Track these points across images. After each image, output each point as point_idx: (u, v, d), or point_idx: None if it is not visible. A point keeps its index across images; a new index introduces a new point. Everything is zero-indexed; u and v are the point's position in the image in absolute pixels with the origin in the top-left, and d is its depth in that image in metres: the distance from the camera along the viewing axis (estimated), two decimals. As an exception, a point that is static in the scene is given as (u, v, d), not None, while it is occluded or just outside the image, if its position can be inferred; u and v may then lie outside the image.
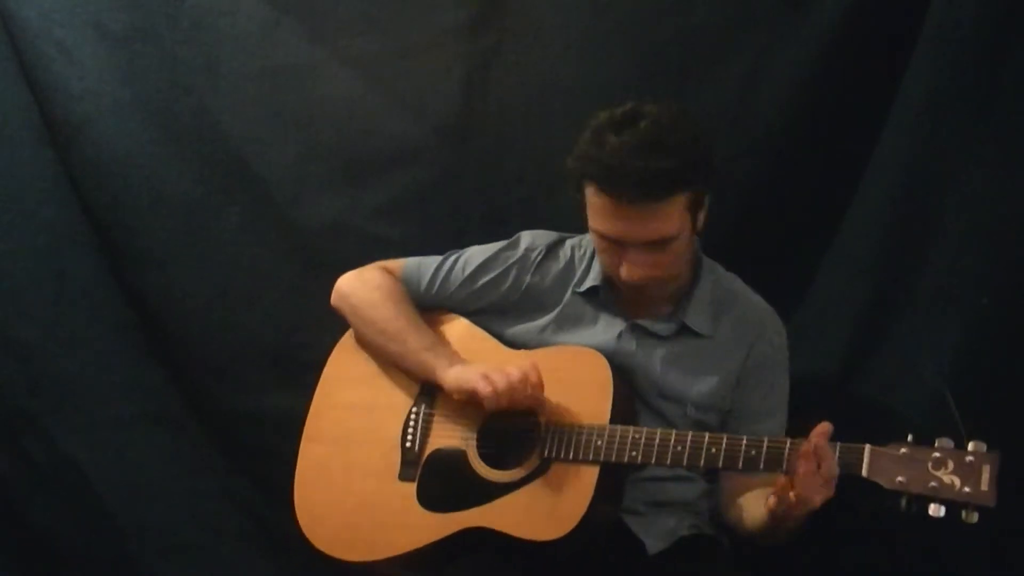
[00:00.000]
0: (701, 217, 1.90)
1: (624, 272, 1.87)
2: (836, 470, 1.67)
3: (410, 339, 2.03)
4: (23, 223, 2.55)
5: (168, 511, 2.60)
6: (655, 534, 1.95)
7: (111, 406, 2.60)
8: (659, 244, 1.84)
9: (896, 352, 2.22)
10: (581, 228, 1.98)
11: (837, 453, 1.68)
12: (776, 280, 2.26)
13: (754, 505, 1.88)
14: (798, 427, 2.24)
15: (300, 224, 2.55)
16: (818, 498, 1.67)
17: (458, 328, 2.09)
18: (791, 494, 1.68)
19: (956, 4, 2.13)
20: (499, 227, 2.22)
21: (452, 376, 1.96)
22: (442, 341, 2.05)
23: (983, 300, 2.14)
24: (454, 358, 1.99)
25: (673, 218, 1.82)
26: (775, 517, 1.75)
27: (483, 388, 1.88)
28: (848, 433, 2.25)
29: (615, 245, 1.87)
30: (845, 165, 2.27)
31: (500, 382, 1.87)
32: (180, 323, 2.59)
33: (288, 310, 2.56)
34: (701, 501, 2.03)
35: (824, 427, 1.69)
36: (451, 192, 2.49)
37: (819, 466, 1.66)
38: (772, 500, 1.73)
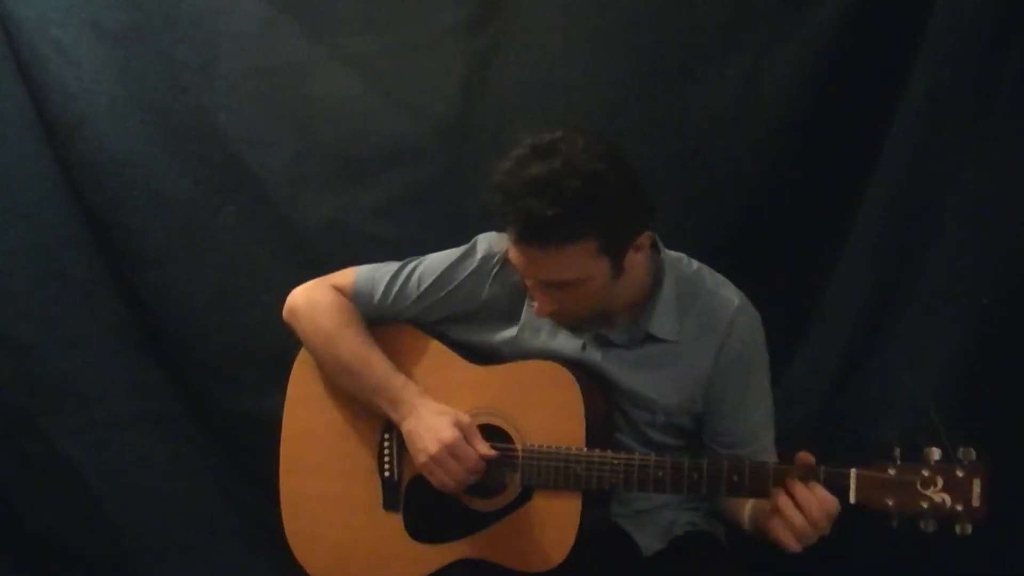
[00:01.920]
0: (634, 257, 1.81)
1: (535, 306, 1.83)
2: (822, 519, 1.62)
3: (362, 375, 1.96)
4: (22, 223, 2.54)
5: (168, 511, 2.60)
6: (650, 535, 1.94)
7: (110, 406, 2.60)
8: (561, 285, 1.78)
9: (896, 352, 2.22)
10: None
11: (822, 478, 1.64)
12: (776, 280, 2.27)
13: (741, 509, 1.86)
14: (799, 425, 2.27)
15: (298, 224, 2.55)
16: (801, 545, 1.65)
17: (418, 344, 2.01)
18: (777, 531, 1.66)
19: (956, 4, 2.13)
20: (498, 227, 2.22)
21: (405, 432, 1.91)
22: (398, 364, 1.96)
23: (983, 300, 2.15)
24: (406, 401, 1.91)
25: (575, 264, 1.74)
26: (761, 532, 1.72)
27: (427, 476, 1.87)
28: (848, 433, 2.27)
29: (526, 277, 1.83)
30: (845, 165, 2.27)
31: (442, 480, 1.85)
32: (179, 323, 2.59)
33: (287, 310, 2.56)
34: (697, 500, 2.02)
35: (804, 459, 1.66)
36: (450, 192, 2.49)
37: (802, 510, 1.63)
38: (761, 525, 1.71)
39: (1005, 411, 2.10)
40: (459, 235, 2.17)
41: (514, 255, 1.80)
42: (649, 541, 1.93)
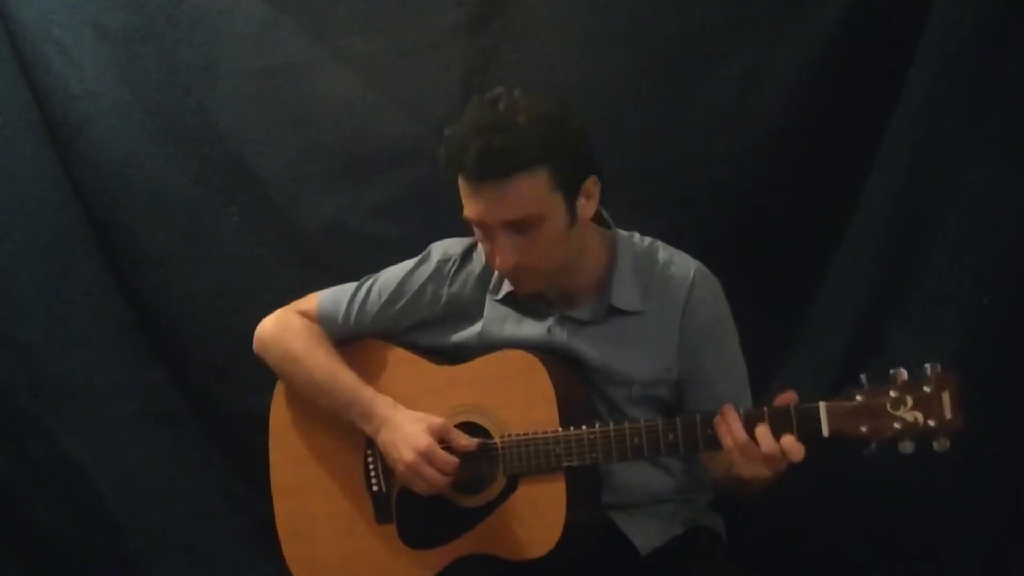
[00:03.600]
0: (585, 204, 1.85)
1: (497, 260, 1.83)
2: (774, 448, 1.63)
3: (333, 393, 1.98)
4: (23, 223, 2.55)
5: (168, 511, 2.60)
6: (646, 533, 1.93)
7: (111, 406, 2.60)
8: (520, 226, 1.79)
9: (896, 352, 2.22)
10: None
11: (793, 415, 1.65)
12: (776, 280, 2.27)
13: (722, 460, 1.83)
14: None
15: (299, 224, 2.55)
16: (764, 472, 1.66)
17: (386, 356, 2.03)
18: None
19: (956, 4, 2.13)
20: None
21: (380, 444, 1.93)
22: (369, 379, 1.99)
23: (983, 300, 2.14)
24: (378, 414, 1.93)
25: (530, 196, 1.77)
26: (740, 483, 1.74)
27: (409, 485, 1.90)
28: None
29: (485, 234, 1.84)
30: (845, 165, 2.27)
31: (423, 487, 1.87)
32: (180, 323, 2.59)
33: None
34: (694, 489, 2.02)
35: (783, 399, 1.67)
36: (450, 192, 2.48)
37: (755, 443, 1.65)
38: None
39: (1005, 411, 2.10)
40: (460, 235, 2.17)
41: (471, 207, 1.81)
42: (646, 540, 1.92)
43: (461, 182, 1.81)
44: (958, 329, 2.16)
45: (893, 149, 2.21)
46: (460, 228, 2.37)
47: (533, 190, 1.77)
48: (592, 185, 1.86)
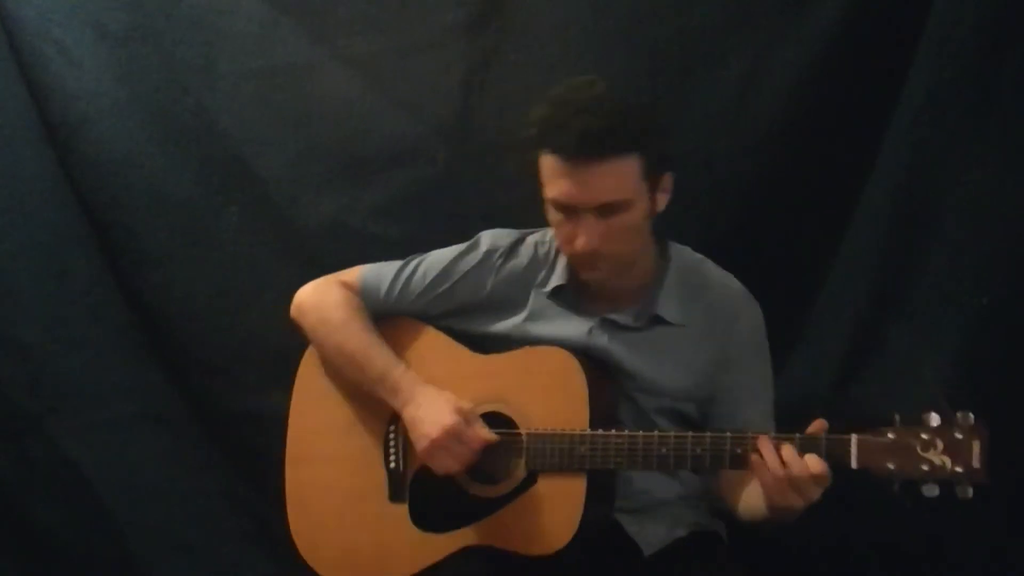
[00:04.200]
0: (660, 198, 1.89)
1: (579, 242, 1.84)
2: (806, 471, 1.64)
3: (366, 366, 1.99)
4: (23, 223, 2.54)
5: (168, 511, 2.59)
6: (651, 535, 1.94)
7: (111, 406, 2.60)
8: (611, 209, 1.81)
9: (896, 352, 2.22)
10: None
11: (824, 445, 1.66)
12: (776, 280, 2.27)
13: (752, 495, 1.85)
14: (799, 424, 2.26)
15: (299, 224, 2.55)
16: (797, 501, 1.66)
17: (422, 337, 2.05)
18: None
19: (956, 4, 2.13)
20: (499, 227, 2.21)
21: (407, 419, 1.93)
22: (403, 357, 2.00)
23: (983, 300, 2.15)
24: (407, 389, 1.94)
25: (621, 181, 1.80)
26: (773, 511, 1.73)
27: (429, 461, 1.90)
28: (848, 432, 2.26)
29: (568, 216, 1.85)
30: (845, 165, 2.27)
31: (444, 464, 1.88)
32: (180, 323, 2.59)
33: (288, 310, 2.54)
34: (697, 495, 2.02)
35: (816, 426, 1.69)
36: (451, 192, 2.49)
37: (786, 468, 1.65)
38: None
39: (1005, 411, 2.10)
40: (460, 235, 2.17)
41: (560, 187, 1.82)
42: (650, 541, 1.93)
43: (551, 161, 1.82)
44: (958, 329, 2.16)
45: (893, 149, 2.21)
46: (460, 228, 2.39)
47: (626, 175, 1.81)
48: (668, 181, 1.90)
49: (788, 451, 1.67)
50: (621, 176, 1.80)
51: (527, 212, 2.38)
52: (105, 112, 2.51)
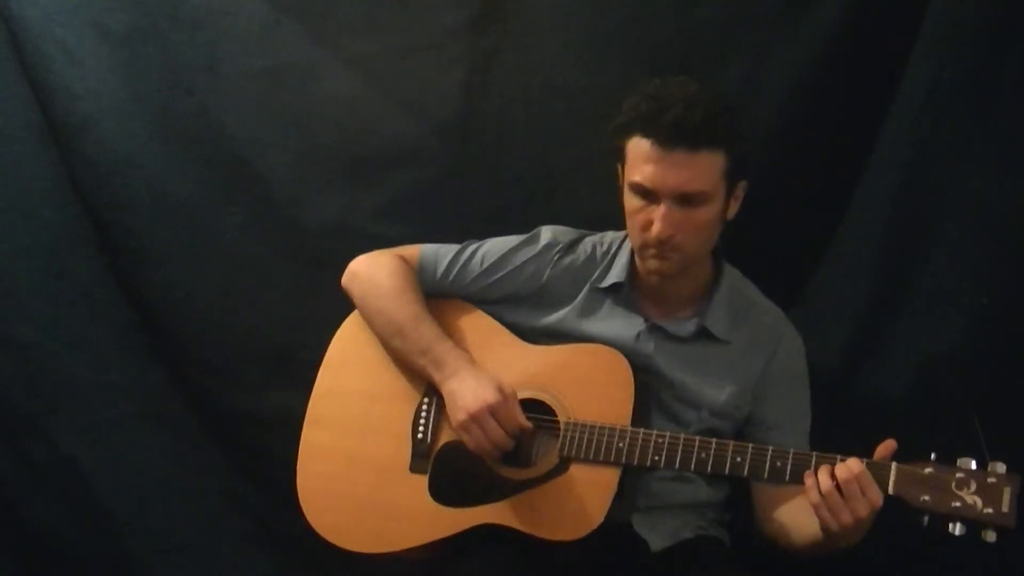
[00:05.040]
0: (733, 205, 1.93)
1: (655, 227, 1.86)
2: (867, 499, 1.66)
3: (412, 337, 2.01)
4: (23, 223, 2.55)
5: (168, 511, 2.59)
6: (659, 532, 1.95)
7: (111, 406, 2.60)
8: (691, 200, 1.85)
9: (896, 352, 2.22)
10: (585, 227, 2.02)
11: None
12: (776, 280, 2.26)
13: (798, 518, 1.86)
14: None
15: (301, 224, 2.55)
16: (848, 520, 1.67)
17: (472, 319, 2.07)
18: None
19: (956, 4, 2.13)
20: (499, 227, 2.22)
21: (447, 392, 1.95)
22: (450, 336, 2.02)
23: (983, 300, 2.14)
24: (451, 364, 1.96)
25: (708, 174, 1.84)
26: (828, 533, 1.72)
27: (464, 438, 1.91)
28: (847, 433, 2.26)
29: (648, 202, 1.87)
30: (845, 165, 2.27)
31: (478, 440, 1.88)
32: (181, 323, 2.59)
33: (289, 310, 2.56)
34: (706, 503, 2.03)
35: (888, 445, 1.71)
36: (451, 192, 2.49)
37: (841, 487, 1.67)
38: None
39: (1005, 411, 2.09)
40: (461, 235, 2.18)
41: (647, 171, 1.85)
42: (658, 538, 1.94)
43: (642, 145, 1.85)
44: (958, 329, 2.16)
45: (893, 149, 2.22)
46: (462, 228, 2.40)
47: (713, 169, 1.85)
48: (741, 189, 1.94)
49: (837, 468, 1.69)
50: (707, 169, 1.84)
51: (527, 212, 2.40)
52: (107, 112, 2.51)
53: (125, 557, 2.58)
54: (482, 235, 2.18)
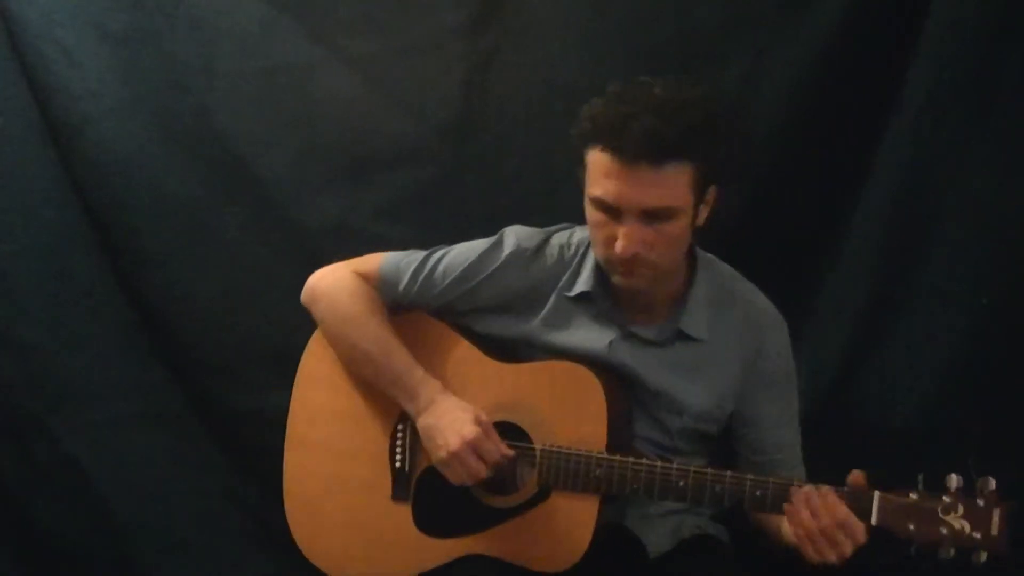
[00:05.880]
0: (704, 211, 1.81)
1: (619, 245, 1.74)
2: (851, 540, 1.63)
3: (381, 365, 1.94)
4: (24, 223, 2.54)
5: (168, 511, 2.59)
6: (657, 535, 1.93)
7: (112, 406, 2.60)
8: (657, 216, 1.73)
9: (896, 352, 2.22)
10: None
11: (845, 500, 1.64)
12: (776, 280, 2.26)
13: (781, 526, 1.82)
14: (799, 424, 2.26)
15: (301, 224, 2.55)
16: (831, 556, 1.65)
17: (438, 337, 1.99)
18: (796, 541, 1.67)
19: (956, 4, 2.13)
20: (499, 227, 2.20)
21: (423, 427, 1.89)
22: (416, 356, 1.94)
23: (983, 300, 2.15)
24: (424, 395, 1.90)
25: (674, 189, 1.72)
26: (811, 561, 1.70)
27: (445, 473, 1.87)
28: (848, 433, 2.26)
29: (611, 217, 1.76)
30: (845, 165, 2.27)
31: (460, 477, 1.84)
32: (181, 323, 2.59)
33: (289, 310, 2.52)
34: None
35: (856, 476, 1.67)
36: (451, 192, 2.49)
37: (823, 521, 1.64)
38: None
39: (1005, 411, 2.10)
40: (461, 235, 2.17)
41: (609, 186, 1.73)
42: (656, 542, 1.92)
43: (602, 158, 1.73)
44: (958, 329, 2.16)
45: (894, 149, 2.22)
46: (462, 228, 2.39)
47: (678, 183, 1.72)
48: (713, 194, 1.82)
49: (816, 502, 1.65)
50: (674, 184, 1.72)
51: (527, 212, 2.40)
52: (107, 112, 2.51)
53: (126, 556, 2.59)
54: (482, 235, 2.17)
